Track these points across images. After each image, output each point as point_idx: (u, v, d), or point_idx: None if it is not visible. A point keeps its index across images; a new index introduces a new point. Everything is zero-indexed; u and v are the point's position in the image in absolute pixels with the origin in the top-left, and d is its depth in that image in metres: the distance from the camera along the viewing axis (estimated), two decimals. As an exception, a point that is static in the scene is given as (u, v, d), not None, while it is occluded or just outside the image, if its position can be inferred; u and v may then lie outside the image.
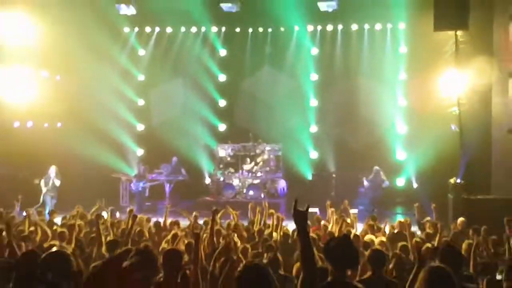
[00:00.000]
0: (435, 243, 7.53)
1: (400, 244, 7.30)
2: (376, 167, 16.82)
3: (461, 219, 9.58)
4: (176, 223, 10.33)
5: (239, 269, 3.58)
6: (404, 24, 17.41)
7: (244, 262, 5.53)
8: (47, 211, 12.85)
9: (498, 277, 5.47)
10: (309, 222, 7.19)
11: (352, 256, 4.19)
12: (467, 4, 14.12)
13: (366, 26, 18.81)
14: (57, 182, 15.86)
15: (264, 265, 3.83)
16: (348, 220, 10.29)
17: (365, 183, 16.93)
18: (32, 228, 8.92)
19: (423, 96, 16.85)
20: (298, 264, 5.87)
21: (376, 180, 16.67)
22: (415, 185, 16.57)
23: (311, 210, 14.15)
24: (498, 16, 13.63)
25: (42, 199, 15.60)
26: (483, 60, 13.77)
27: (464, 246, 6.95)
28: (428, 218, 10.72)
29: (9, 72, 16.35)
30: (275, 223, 9.74)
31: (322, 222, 10.56)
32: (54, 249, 5.19)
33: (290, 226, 9.57)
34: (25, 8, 15.88)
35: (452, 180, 14.35)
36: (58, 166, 16.42)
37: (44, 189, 15.70)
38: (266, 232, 9.35)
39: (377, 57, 18.56)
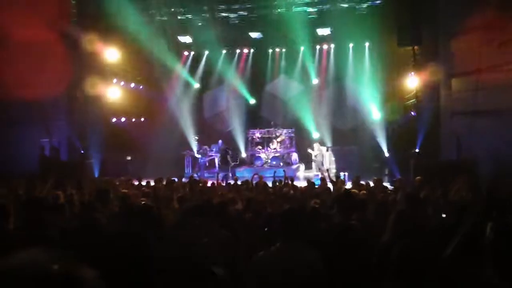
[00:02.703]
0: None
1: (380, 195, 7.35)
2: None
3: (418, 178, 9.57)
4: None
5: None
6: (378, 42, 17.26)
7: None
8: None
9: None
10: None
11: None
12: (420, 27, 14.05)
13: (351, 45, 18.71)
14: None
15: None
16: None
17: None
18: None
19: (392, 92, 16.81)
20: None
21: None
22: (386, 155, 16.53)
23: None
24: (442, 34, 13.49)
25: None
26: (433, 66, 13.70)
27: (422, 195, 7.01)
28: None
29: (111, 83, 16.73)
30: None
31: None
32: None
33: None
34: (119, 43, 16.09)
35: (412, 150, 14.37)
36: (143, 149, 16.84)
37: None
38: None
39: (359, 66, 18.51)
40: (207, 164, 18.25)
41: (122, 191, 7.91)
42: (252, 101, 20.70)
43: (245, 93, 20.44)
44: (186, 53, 20.19)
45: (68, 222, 4.64)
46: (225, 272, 2.57)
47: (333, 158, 17.16)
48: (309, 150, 17.36)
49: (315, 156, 17.10)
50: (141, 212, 4.07)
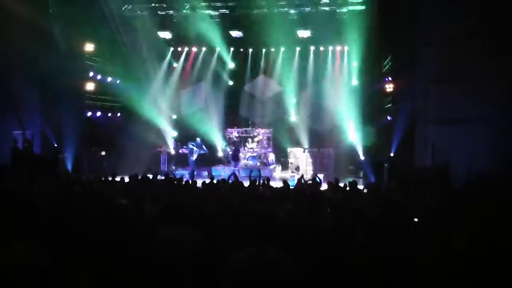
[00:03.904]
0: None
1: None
2: None
3: (393, 182, 9.65)
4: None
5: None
6: (357, 46, 17.38)
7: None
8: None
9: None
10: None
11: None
12: (399, 34, 14.19)
13: (330, 48, 18.82)
14: None
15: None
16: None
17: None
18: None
19: (369, 96, 16.98)
20: None
21: None
22: (362, 157, 16.68)
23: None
24: (420, 42, 13.66)
25: None
26: (409, 73, 13.87)
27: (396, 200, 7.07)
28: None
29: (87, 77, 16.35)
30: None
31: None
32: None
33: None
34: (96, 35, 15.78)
35: (387, 155, 14.53)
36: (118, 145, 16.62)
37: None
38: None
39: (337, 68, 18.63)
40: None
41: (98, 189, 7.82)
42: (231, 99, 20.56)
43: (223, 91, 20.32)
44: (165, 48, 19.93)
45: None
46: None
47: (310, 160, 17.24)
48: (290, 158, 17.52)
49: (291, 163, 17.33)
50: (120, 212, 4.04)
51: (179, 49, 19.98)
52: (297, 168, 16.63)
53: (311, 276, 3.19)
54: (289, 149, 17.69)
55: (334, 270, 3.26)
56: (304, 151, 17.39)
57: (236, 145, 18.68)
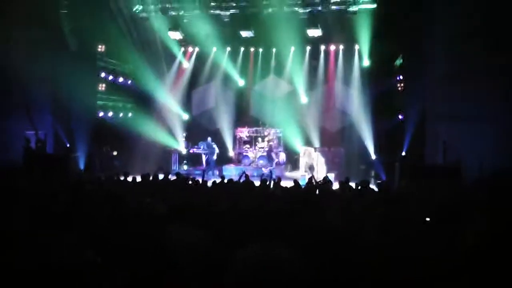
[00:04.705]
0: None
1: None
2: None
3: (404, 180, 9.59)
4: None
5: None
6: (368, 45, 17.27)
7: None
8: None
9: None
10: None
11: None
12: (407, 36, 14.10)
13: (341, 47, 18.72)
14: None
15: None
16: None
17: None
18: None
19: (380, 95, 16.87)
20: None
21: None
22: (373, 157, 16.58)
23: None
24: (431, 39, 13.53)
25: None
26: (419, 71, 13.77)
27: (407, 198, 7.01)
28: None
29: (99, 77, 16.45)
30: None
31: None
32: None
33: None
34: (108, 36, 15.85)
35: (399, 153, 14.42)
36: (129, 144, 16.70)
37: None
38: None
39: (348, 68, 18.51)
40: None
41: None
42: (241, 99, 20.55)
43: (234, 91, 20.33)
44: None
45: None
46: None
47: (322, 159, 17.11)
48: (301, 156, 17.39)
49: (306, 162, 17.14)
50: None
51: (190, 49, 19.99)
52: (311, 167, 16.54)
53: (318, 274, 3.16)
54: (303, 148, 17.54)
55: (343, 268, 3.23)
56: (315, 151, 17.31)
57: (270, 145, 18.57)
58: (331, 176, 14.13)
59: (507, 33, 10.22)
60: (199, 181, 10.58)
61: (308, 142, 18.26)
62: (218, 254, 3.69)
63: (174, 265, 3.49)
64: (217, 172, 16.89)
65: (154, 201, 6.14)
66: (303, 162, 17.44)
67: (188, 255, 3.44)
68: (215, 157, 18.02)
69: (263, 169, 17.02)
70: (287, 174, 17.60)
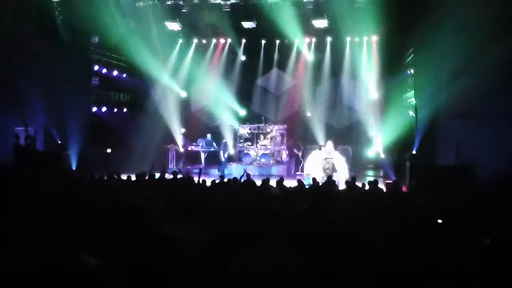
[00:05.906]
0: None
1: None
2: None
3: (413, 181, 9.59)
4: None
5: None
6: (377, 37, 17.25)
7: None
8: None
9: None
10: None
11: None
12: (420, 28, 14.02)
13: (348, 39, 18.65)
14: None
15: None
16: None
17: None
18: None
19: (390, 90, 16.84)
20: None
21: None
22: (382, 156, 16.55)
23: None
24: (444, 30, 13.43)
25: None
26: (432, 66, 13.68)
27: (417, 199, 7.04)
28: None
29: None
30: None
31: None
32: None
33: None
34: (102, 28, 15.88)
35: (409, 152, 14.38)
36: (124, 142, 16.75)
37: None
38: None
39: (356, 61, 18.46)
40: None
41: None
42: (243, 94, 20.52)
43: (235, 85, 20.31)
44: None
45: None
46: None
47: (342, 158, 16.80)
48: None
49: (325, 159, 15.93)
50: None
51: (188, 41, 19.96)
52: (333, 169, 15.40)
53: (320, 276, 3.19)
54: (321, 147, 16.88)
55: (343, 268, 3.25)
56: (320, 149, 17.22)
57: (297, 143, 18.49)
58: (337, 176, 14.15)
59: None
60: (194, 180, 10.60)
61: (313, 140, 18.17)
62: (218, 254, 3.72)
63: (172, 264, 3.51)
64: (215, 171, 16.95)
65: (150, 201, 6.17)
66: (318, 164, 16.48)
67: (185, 255, 3.47)
68: (227, 155, 18.11)
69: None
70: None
